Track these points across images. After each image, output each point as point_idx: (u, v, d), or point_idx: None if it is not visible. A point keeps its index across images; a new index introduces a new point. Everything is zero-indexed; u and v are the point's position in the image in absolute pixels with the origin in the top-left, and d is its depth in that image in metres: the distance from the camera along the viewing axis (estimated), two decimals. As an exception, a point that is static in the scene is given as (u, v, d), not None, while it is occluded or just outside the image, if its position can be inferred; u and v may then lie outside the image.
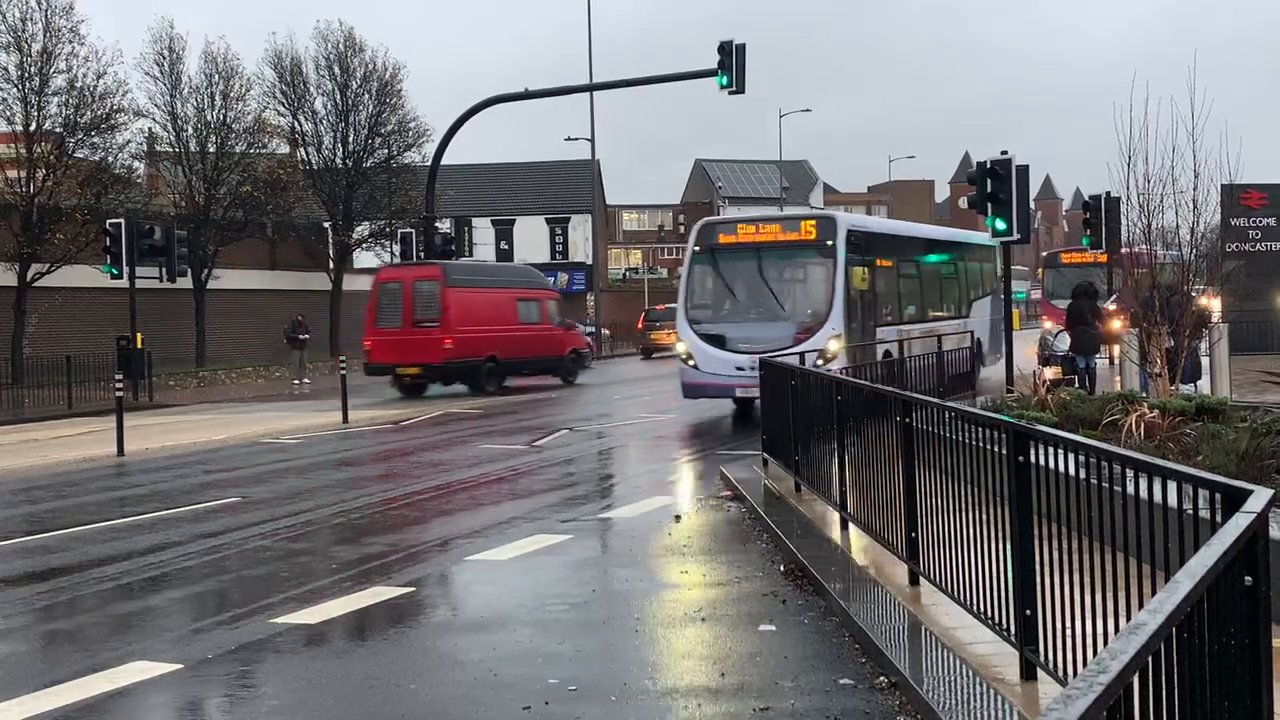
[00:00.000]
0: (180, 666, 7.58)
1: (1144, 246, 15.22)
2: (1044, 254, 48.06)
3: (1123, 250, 35.33)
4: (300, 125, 51.11)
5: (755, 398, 18.95)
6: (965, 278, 28.96)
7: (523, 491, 15.01)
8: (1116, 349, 19.76)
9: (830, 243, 20.62)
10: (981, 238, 31.36)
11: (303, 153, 51.42)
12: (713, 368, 20.64)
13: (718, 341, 20.78)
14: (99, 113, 37.14)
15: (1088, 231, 29.60)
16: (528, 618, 8.67)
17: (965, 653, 6.66)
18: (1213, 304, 17.13)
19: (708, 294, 22.11)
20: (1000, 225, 19.05)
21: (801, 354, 18.06)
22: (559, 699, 6.72)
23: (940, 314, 26.11)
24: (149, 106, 43.95)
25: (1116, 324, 20.72)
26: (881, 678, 6.73)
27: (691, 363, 21.03)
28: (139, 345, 30.59)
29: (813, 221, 21.47)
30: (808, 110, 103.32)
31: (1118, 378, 20.97)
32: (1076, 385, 18.01)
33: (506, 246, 73.13)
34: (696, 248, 21.88)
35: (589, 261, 67.44)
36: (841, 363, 18.77)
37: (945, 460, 7.56)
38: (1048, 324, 35.56)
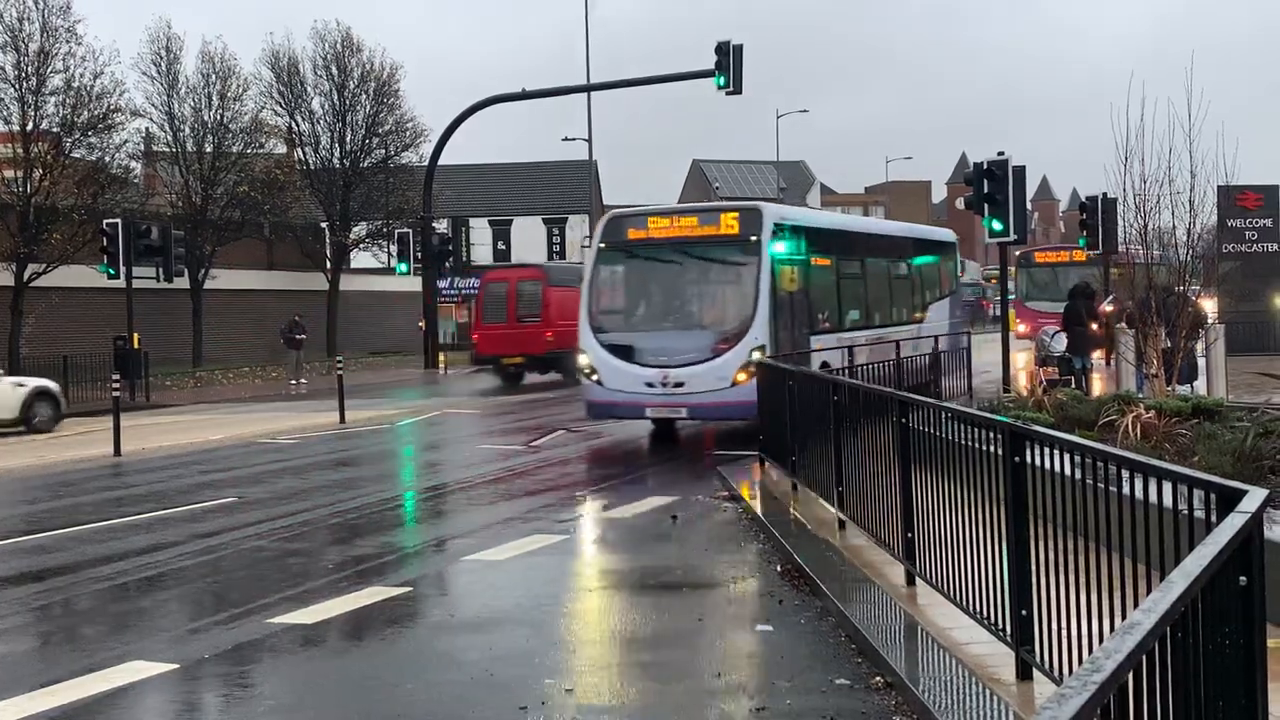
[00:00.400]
0: (176, 666, 7.58)
1: (1133, 248, 15.24)
2: (1017, 253, 46.36)
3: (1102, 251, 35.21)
4: (297, 125, 51.10)
5: (673, 418, 18.24)
6: (920, 278, 26.12)
7: (518, 492, 15.01)
8: (1103, 351, 19.69)
9: (754, 238, 17.77)
10: (940, 234, 29.34)
11: (300, 153, 51.39)
12: (619, 383, 17.88)
13: (625, 353, 17.96)
14: (96, 112, 37.07)
15: (1084, 232, 29.62)
16: (524, 618, 8.67)
17: (961, 653, 6.67)
18: (1203, 304, 17.14)
19: (614, 299, 19.35)
20: (997, 226, 19.08)
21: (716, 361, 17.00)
22: (555, 699, 6.72)
23: (890, 319, 23.43)
24: (146, 106, 43.94)
25: (1098, 325, 20.68)
26: (878, 678, 6.74)
27: (595, 378, 18.18)
28: (136, 345, 30.57)
29: (734, 214, 18.39)
30: (805, 111, 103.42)
31: (1100, 376, 20.99)
32: (1073, 386, 18.03)
33: (504, 247, 73.07)
34: (602, 244, 18.95)
35: (586, 262, 67.26)
36: None
37: (942, 461, 7.57)
38: (1021, 326, 34.44)
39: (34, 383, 25.05)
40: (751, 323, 17.39)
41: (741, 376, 16.79)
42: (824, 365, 18.05)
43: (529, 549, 10.96)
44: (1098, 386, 19.73)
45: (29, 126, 35.83)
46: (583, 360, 18.45)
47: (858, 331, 20.86)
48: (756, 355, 16.65)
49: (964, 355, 22.78)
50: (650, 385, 17.47)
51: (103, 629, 8.90)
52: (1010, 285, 26.19)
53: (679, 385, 17.25)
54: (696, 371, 17.30)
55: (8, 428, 23.91)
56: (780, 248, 18.03)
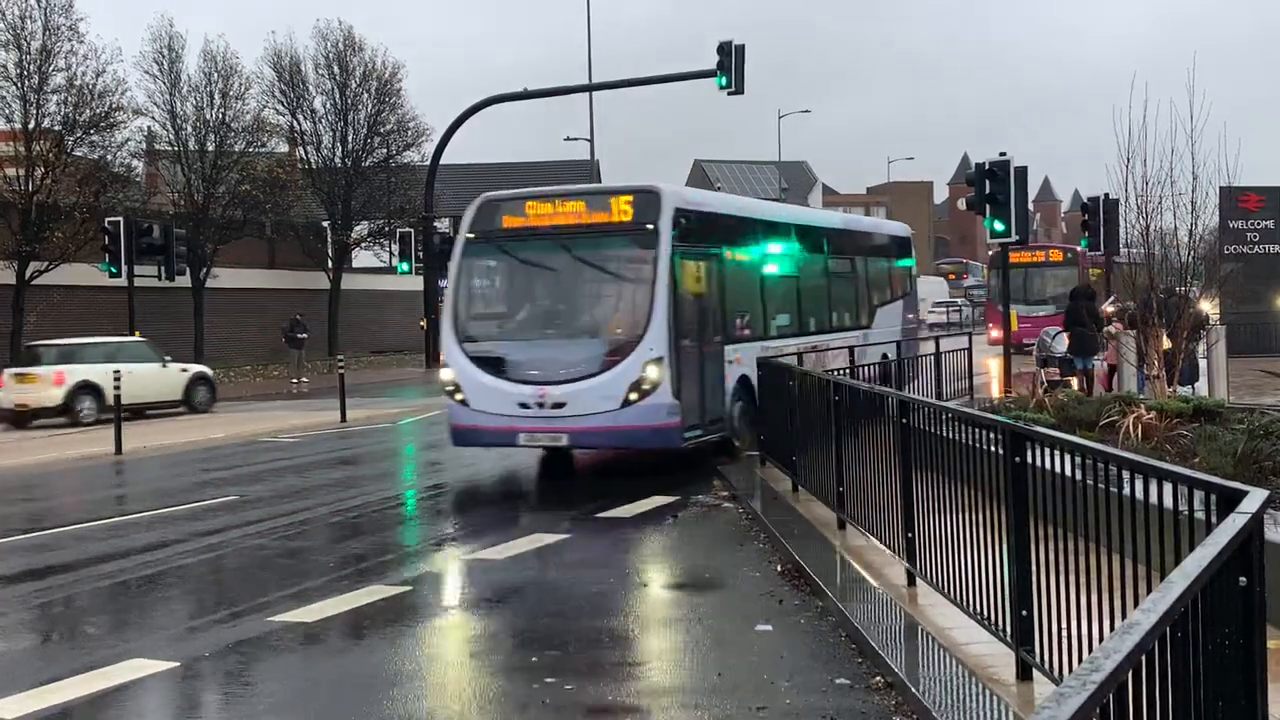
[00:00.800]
0: (177, 664, 7.58)
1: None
2: (990, 252, 44.62)
3: (1081, 250, 34.72)
4: (299, 124, 51.14)
5: (557, 446, 15.21)
6: (867, 277, 22.70)
7: (517, 490, 15.01)
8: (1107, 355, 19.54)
9: (651, 226, 14.72)
10: (891, 227, 26.13)
11: (301, 152, 51.44)
12: (488, 404, 14.71)
13: (495, 367, 14.83)
14: (98, 111, 37.12)
15: (1085, 233, 29.63)
16: (525, 616, 8.67)
17: (961, 653, 6.67)
18: (1200, 305, 17.13)
19: (484, 301, 16.39)
20: (999, 226, 19.08)
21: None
22: (556, 696, 6.72)
23: (829, 325, 20.31)
24: (148, 105, 44.02)
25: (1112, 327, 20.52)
26: (878, 678, 6.74)
27: (460, 397, 14.97)
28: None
29: (628, 197, 15.16)
30: (807, 111, 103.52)
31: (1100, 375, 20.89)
32: (1075, 387, 18.04)
33: (505, 246, 73.05)
34: (471, 235, 15.69)
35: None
36: (666, 396, 14.28)
37: (942, 461, 7.58)
38: (994, 332, 33.14)
39: (195, 369, 28.54)
40: (646, 330, 14.33)
41: (634, 395, 14.16)
42: (742, 381, 15.98)
43: (530, 547, 10.94)
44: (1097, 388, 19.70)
45: (31, 125, 35.88)
46: (445, 375, 15.33)
47: (787, 340, 18.01)
48: (653, 370, 14.17)
49: (922, 365, 20.06)
50: (525, 406, 14.45)
51: (104, 627, 8.91)
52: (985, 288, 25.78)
53: (559, 406, 14.31)
54: (579, 389, 14.30)
55: (172, 407, 26.88)
56: (685, 239, 14.99)
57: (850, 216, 27.51)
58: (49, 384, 25.10)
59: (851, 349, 18.81)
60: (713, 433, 15.37)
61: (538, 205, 15.61)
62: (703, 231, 15.77)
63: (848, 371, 15.78)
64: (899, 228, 26.18)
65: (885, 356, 19.78)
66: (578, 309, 15.79)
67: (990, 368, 24.79)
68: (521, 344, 15.08)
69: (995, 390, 21.30)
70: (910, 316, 24.48)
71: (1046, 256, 38.13)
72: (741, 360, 16.08)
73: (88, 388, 25.16)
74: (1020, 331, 30.81)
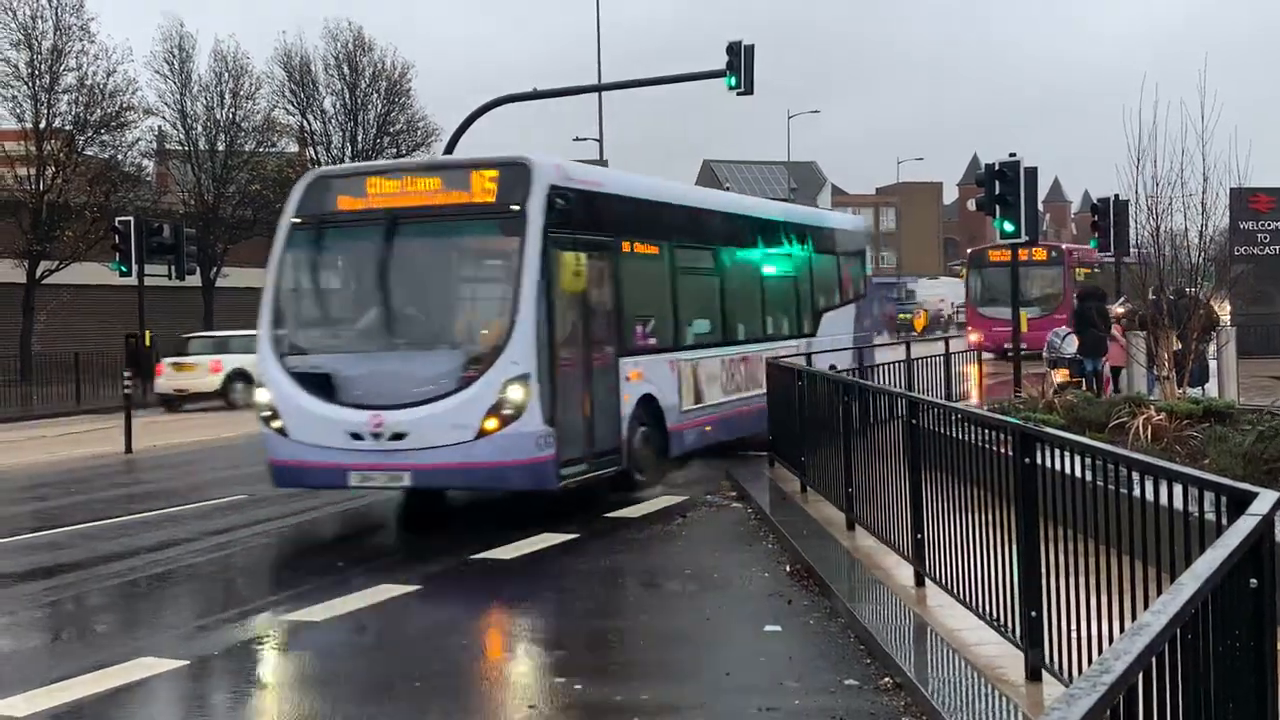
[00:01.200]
0: (187, 663, 7.60)
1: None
2: (969, 251, 40.32)
3: (1066, 248, 33.66)
4: (309, 124, 51.19)
5: (392, 488, 12.22)
6: (811, 278, 19.47)
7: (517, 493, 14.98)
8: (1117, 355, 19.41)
9: (517, 208, 11.77)
10: (844, 220, 23.02)
11: (311, 151, 51.50)
12: (311, 434, 11.73)
13: (321, 388, 11.80)
14: (109, 110, 37.25)
15: (1095, 234, 29.57)
16: (534, 616, 8.68)
17: (970, 654, 6.66)
18: (1214, 306, 17.07)
19: (310, 303, 13.10)
20: (1009, 227, 19.04)
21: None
22: (565, 696, 6.73)
23: (762, 333, 17.58)
24: (158, 105, 44.10)
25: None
26: (886, 679, 6.73)
27: (277, 425, 12.03)
28: (148, 343, 30.64)
29: (491, 173, 12.19)
30: (816, 111, 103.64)
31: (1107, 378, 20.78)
32: (1084, 388, 18.00)
33: (514, 246, 73.14)
34: (297, 220, 12.63)
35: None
36: (535, 423, 11.38)
37: (951, 462, 7.57)
38: (973, 336, 31.76)
39: (234, 363, 28.83)
40: (508, 339, 11.41)
41: (492, 423, 11.26)
42: (644, 402, 13.43)
43: (539, 547, 10.93)
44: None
45: (42, 124, 36.01)
46: (261, 397, 12.30)
47: (707, 350, 15.40)
48: (515, 391, 11.27)
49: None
50: (357, 437, 11.51)
51: (114, 625, 8.94)
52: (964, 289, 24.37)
53: (399, 438, 11.40)
54: (424, 416, 11.39)
55: (209, 400, 28.45)
56: (564, 224, 12.10)
57: (792, 206, 23.69)
58: (207, 371, 28.68)
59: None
60: (602, 467, 12.62)
61: (382, 182, 12.61)
62: (590, 216, 12.83)
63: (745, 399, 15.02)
64: (852, 221, 23.32)
65: (833, 368, 16.32)
66: (426, 313, 12.75)
67: (970, 375, 22.15)
68: (355, 357, 12.13)
69: (975, 399, 20.11)
70: (867, 323, 21.64)
71: (1030, 255, 35.13)
72: (643, 375, 13.48)
73: (240, 375, 27.29)
74: (998, 335, 29.13)
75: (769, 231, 18.38)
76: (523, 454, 11.36)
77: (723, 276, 16.47)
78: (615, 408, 12.95)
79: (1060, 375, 19.20)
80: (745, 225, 17.68)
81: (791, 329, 18.57)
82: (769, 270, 18.15)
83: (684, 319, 15.17)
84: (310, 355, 12.25)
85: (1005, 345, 24.60)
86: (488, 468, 11.42)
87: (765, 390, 15.17)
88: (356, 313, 12.87)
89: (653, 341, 14.21)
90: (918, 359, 19.42)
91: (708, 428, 15.28)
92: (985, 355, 24.49)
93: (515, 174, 12.06)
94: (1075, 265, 34.88)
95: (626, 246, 13.81)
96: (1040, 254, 35.05)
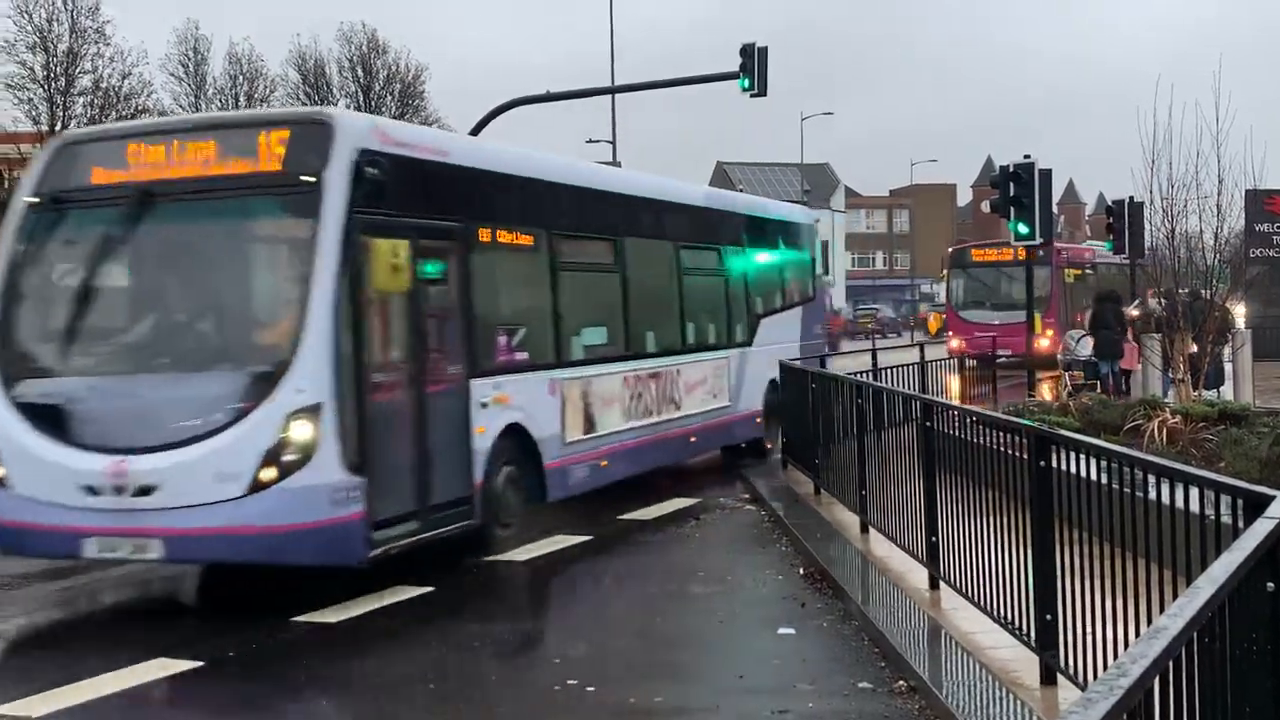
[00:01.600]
0: (202, 664, 7.61)
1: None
2: (950, 249, 36.58)
3: (1056, 247, 32.25)
4: (323, 126, 51.37)
5: (148, 559, 8.85)
6: (746, 277, 16.43)
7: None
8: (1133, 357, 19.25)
9: (311, 179, 8.87)
10: (786, 210, 19.71)
11: (325, 153, 51.66)
12: (37, 486, 8.76)
13: (50, 423, 8.86)
14: (124, 113, 37.44)
15: (1110, 236, 29.46)
16: (546, 617, 8.69)
17: (985, 657, 6.64)
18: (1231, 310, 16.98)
19: (43, 309, 9.76)
20: (1023, 229, 19.00)
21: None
22: (575, 698, 6.73)
23: (681, 344, 14.62)
24: (174, 107, 44.30)
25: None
26: (900, 682, 6.72)
27: None
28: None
29: (281, 132, 9.21)
30: (829, 113, 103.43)
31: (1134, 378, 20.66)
32: (1099, 390, 17.96)
33: (527, 248, 73.21)
34: (35, 199, 9.60)
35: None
36: (331, 471, 8.49)
37: (966, 465, 7.56)
38: (954, 342, 29.50)
39: None
40: (292, 358, 8.53)
41: (269, 473, 8.41)
42: (510, 433, 10.60)
43: (551, 549, 10.91)
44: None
45: (58, 126, 36.16)
46: None
47: (603, 366, 12.64)
48: (301, 427, 8.41)
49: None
50: (93, 491, 8.59)
51: (127, 626, 8.95)
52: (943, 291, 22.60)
53: (146, 493, 8.51)
54: (179, 463, 8.48)
55: None
56: (379, 201, 9.14)
57: (723, 192, 20.01)
58: None
59: (712, 379, 14.84)
60: (443, 524, 9.74)
61: (146, 148, 9.49)
62: (426, 192, 10.07)
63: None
64: (796, 211, 20.22)
65: (773, 383, 15.17)
66: (190, 324, 9.73)
67: (952, 387, 20.23)
68: (98, 383, 9.18)
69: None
70: (817, 329, 19.00)
71: (1014, 255, 28.27)
72: (509, 400, 10.63)
73: None
74: (980, 342, 26.21)
75: (692, 221, 15.32)
76: (313, 514, 8.44)
77: (626, 275, 13.36)
78: (464, 443, 10.03)
79: (1075, 378, 19.17)
80: (658, 212, 14.55)
81: (719, 337, 15.58)
82: (692, 267, 15.07)
83: (570, 327, 12.26)
84: (36, 381, 9.19)
85: (989, 352, 22.73)
86: (265, 534, 8.43)
87: (689, 412, 13.78)
88: (103, 322, 9.70)
89: (523, 356, 11.35)
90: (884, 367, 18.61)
91: (603, 462, 12.44)
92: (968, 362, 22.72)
93: (311, 134, 9.15)
94: (1064, 266, 32.55)
95: (485, 234, 10.84)
96: (1024, 254, 33.06)
